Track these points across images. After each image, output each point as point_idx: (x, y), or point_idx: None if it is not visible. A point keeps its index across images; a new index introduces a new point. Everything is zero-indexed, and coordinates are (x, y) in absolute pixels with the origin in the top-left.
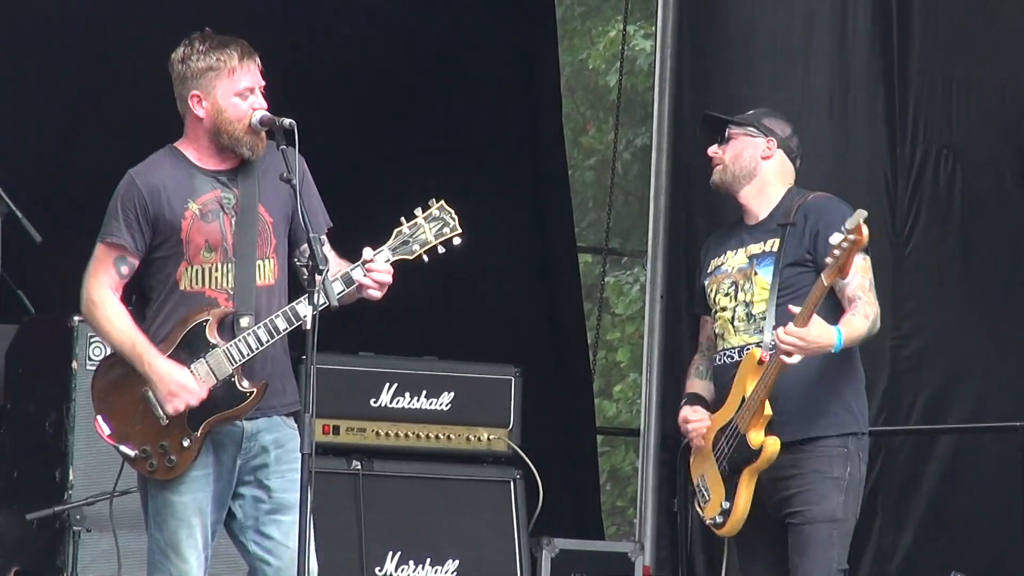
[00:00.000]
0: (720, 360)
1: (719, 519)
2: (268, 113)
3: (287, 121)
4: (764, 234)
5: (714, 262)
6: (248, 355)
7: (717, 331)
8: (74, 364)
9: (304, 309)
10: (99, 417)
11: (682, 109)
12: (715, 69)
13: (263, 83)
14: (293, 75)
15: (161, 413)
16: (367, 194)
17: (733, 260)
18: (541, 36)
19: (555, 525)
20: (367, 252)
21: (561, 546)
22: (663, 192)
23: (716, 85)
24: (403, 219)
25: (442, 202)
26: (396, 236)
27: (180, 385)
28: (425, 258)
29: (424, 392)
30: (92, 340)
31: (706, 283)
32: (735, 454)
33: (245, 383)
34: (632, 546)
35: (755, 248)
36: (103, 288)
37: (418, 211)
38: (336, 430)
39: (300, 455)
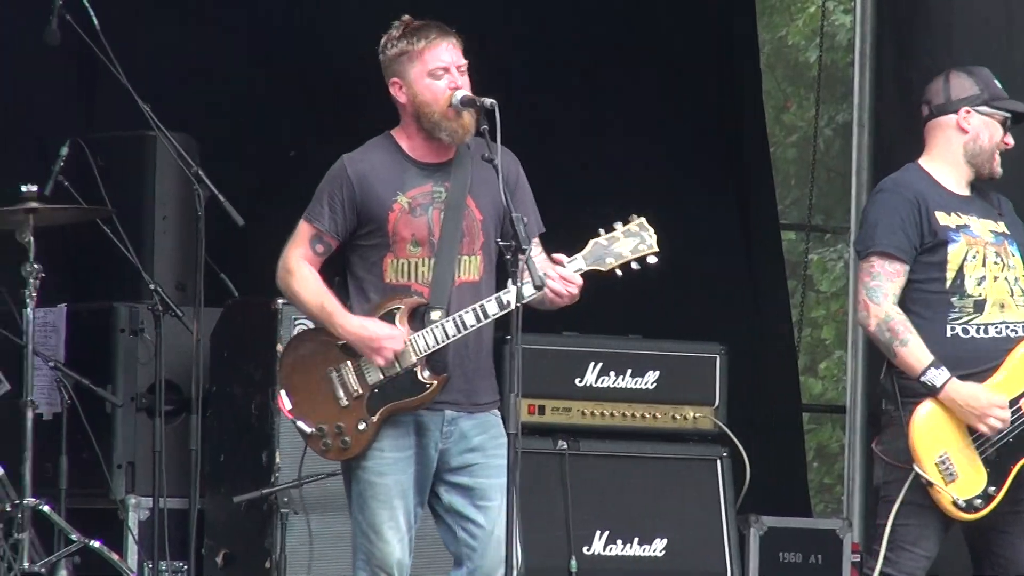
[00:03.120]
0: (996, 332)
1: (978, 502)
2: (468, 93)
3: (488, 101)
4: (985, 211)
5: (954, 218)
6: (432, 347)
7: (980, 296)
8: (278, 347)
9: (493, 308)
10: (283, 392)
11: (883, 84)
12: (915, 43)
13: (462, 62)
14: (484, 61)
15: (342, 394)
16: (566, 184)
17: (979, 227)
18: (740, 13)
19: (762, 503)
20: (561, 258)
21: (769, 524)
22: (865, 168)
23: (916, 59)
24: (601, 231)
25: (643, 219)
26: (592, 246)
27: (372, 336)
28: (618, 272)
29: (629, 371)
30: (296, 322)
31: (957, 239)
32: (1014, 440)
33: (426, 374)
34: (840, 523)
35: (991, 224)
36: (298, 259)
37: (618, 224)
38: (541, 410)
39: (504, 439)
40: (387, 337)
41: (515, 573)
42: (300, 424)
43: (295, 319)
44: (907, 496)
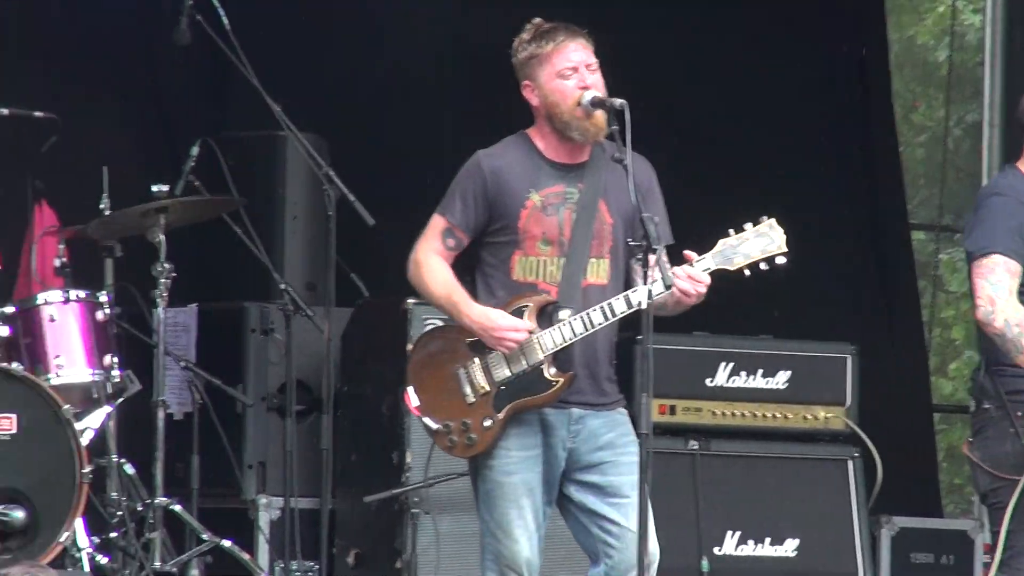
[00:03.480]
0: None
1: None
2: (598, 93)
3: (618, 101)
4: None
5: None
6: (559, 344)
7: None
8: (409, 347)
9: (621, 306)
10: (410, 388)
11: (1013, 83)
12: None
13: (591, 61)
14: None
15: (469, 391)
16: (695, 184)
17: None
18: (869, 13)
19: (893, 503)
20: (690, 256)
21: (900, 524)
22: (995, 167)
23: None
24: (731, 230)
25: (772, 220)
26: (721, 246)
27: (495, 325)
28: (747, 272)
29: (760, 371)
30: (426, 322)
31: None
32: None
33: (552, 371)
34: (972, 524)
35: None
36: (429, 251)
37: (748, 225)
38: (672, 410)
39: (633, 437)
40: (509, 327)
41: (654, 569)
42: (426, 421)
43: (425, 318)
44: (1020, 501)
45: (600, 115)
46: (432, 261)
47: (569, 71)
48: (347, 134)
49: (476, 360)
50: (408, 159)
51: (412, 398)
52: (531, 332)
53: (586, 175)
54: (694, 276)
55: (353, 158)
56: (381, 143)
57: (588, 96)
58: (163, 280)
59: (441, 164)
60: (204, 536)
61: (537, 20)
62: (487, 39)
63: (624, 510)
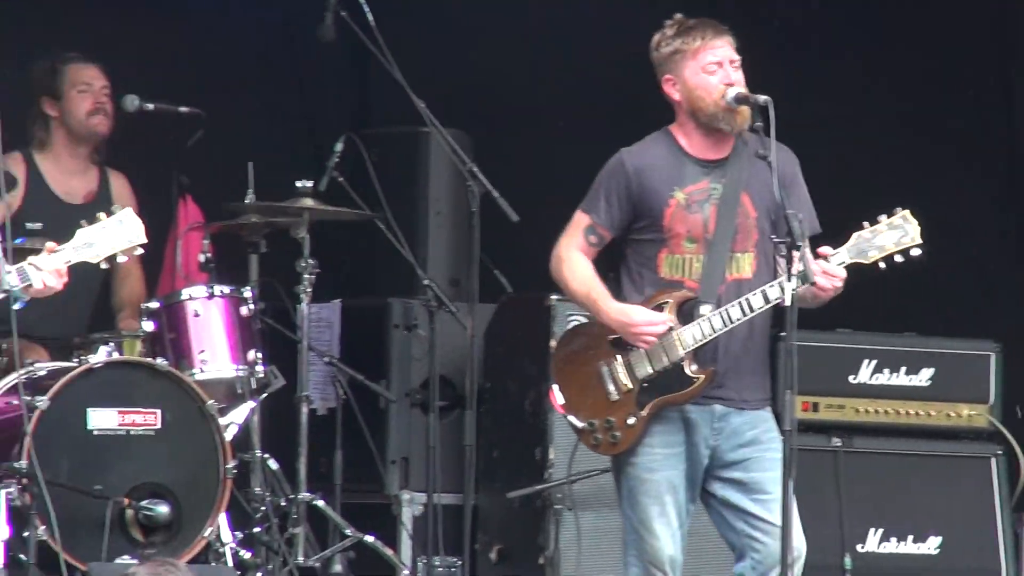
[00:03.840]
0: None
1: None
2: (742, 90)
3: (762, 98)
4: None
5: None
6: (700, 340)
7: None
8: (552, 343)
9: (759, 301)
10: (555, 386)
11: None
12: None
13: (735, 58)
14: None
15: (612, 389)
16: (830, 176)
17: None
18: (1015, 8)
19: None
20: (825, 251)
21: None
22: None
23: None
24: (865, 223)
25: (907, 212)
26: (855, 239)
27: (631, 321)
28: (881, 265)
29: (903, 368)
30: (570, 318)
31: None
32: None
33: (694, 368)
34: None
35: None
36: (571, 248)
37: (882, 217)
38: (815, 407)
39: (777, 434)
40: (646, 323)
41: (800, 563)
42: (571, 419)
43: (569, 314)
44: None
45: (744, 111)
46: (574, 257)
47: (714, 66)
48: (491, 130)
49: (618, 357)
50: (552, 155)
51: (557, 396)
52: (669, 329)
53: (728, 169)
54: (829, 271)
55: (496, 154)
56: (525, 139)
57: (732, 92)
58: (307, 276)
59: (585, 160)
60: (347, 531)
61: (679, 16)
62: (629, 36)
63: (769, 506)
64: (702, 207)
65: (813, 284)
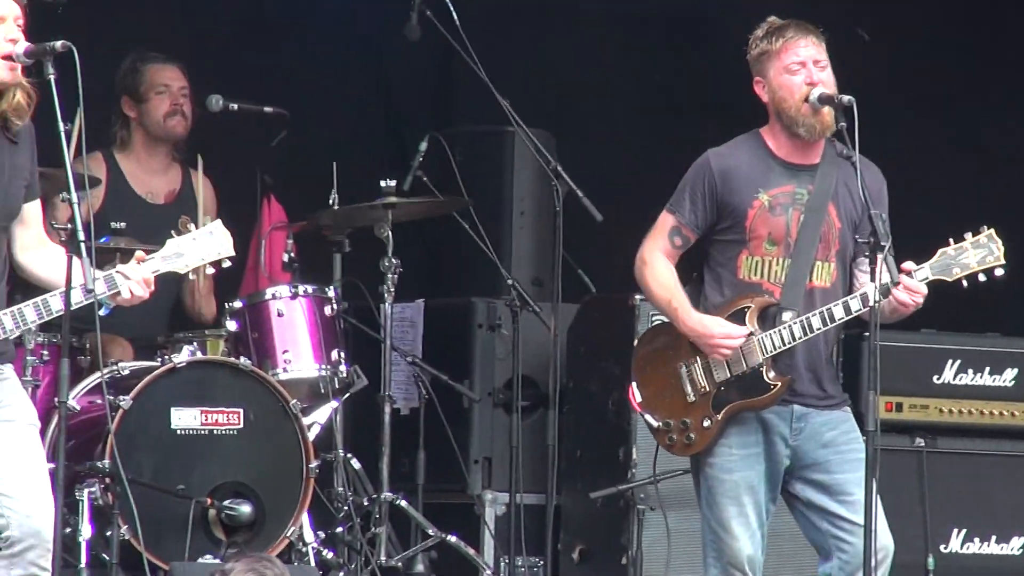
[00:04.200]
0: None
1: None
2: (827, 90)
3: (846, 98)
4: None
5: None
6: (779, 347)
7: None
8: (635, 343)
9: (840, 312)
10: (634, 384)
11: None
12: None
13: (821, 58)
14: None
15: (690, 390)
16: (919, 192)
17: None
18: None
19: None
20: (909, 266)
21: None
22: None
23: None
24: (951, 240)
25: (992, 231)
26: (939, 256)
27: (708, 333)
28: (964, 283)
29: (987, 368)
30: (653, 318)
31: None
32: None
33: (772, 374)
34: None
35: None
36: (655, 251)
37: (967, 235)
38: (899, 407)
39: (858, 435)
40: (723, 335)
41: (888, 562)
42: (648, 417)
43: (652, 314)
44: None
45: (827, 112)
46: (658, 263)
47: (796, 66)
48: (575, 128)
49: (698, 359)
50: (636, 154)
51: (635, 393)
52: (749, 335)
53: (818, 177)
54: (911, 287)
55: (580, 153)
56: (609, 138)
57: (815, 92)
58: (390, 275)
59: (669, 160)
60: (429, 531)
61: (772, 18)
62: (719, 35)
63: (853, 507)
64: (786, 210)
65: (897, 285)
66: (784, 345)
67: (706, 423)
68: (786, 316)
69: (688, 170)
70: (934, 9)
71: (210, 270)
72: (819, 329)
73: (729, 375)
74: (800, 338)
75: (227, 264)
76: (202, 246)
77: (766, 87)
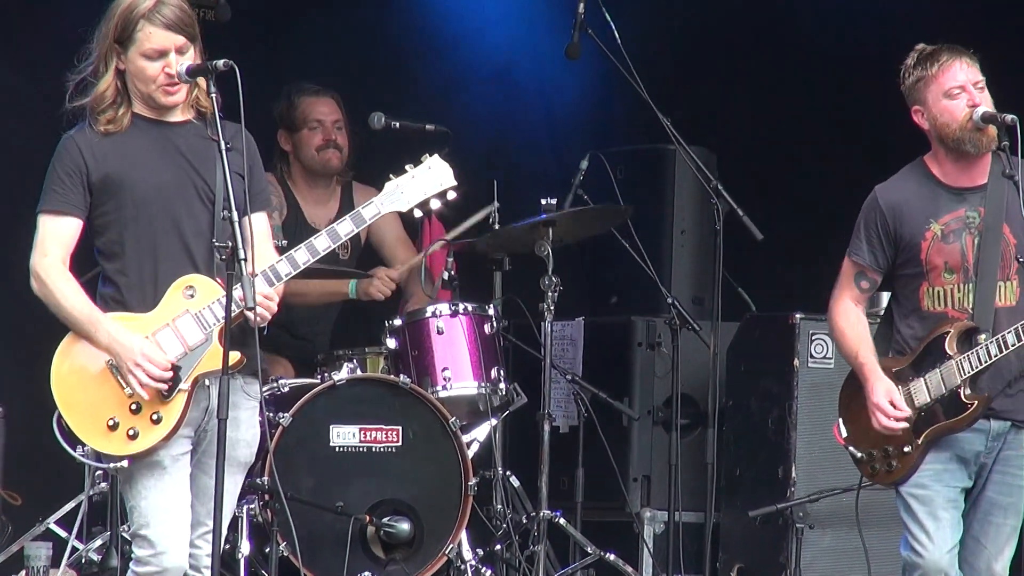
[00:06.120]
0: None
1: None
2: (989, 109)
3: (1009, 117)
4: None
5: None
6: (976, 368)
7: None
8: (795, 361)
9: None
10: (840, 420)
11: None
12: None
13: (978, 79)
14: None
15: (876, 424)
16: None
17: None
18: None
19: None
20: None
21: None
22: None
23: None
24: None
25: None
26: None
27: (885, 411)
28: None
29: None
30: (814, 337)
31: None
32: None
33: (968, 392)
34: None
35: None
36: (844, 299)
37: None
38: None
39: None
40: (892, 416)
41: None
42: (851, 450)
43: (812, 334)
44: None
45: (992, 130)
46: (849, 313)
47: (956, 90)
48: (736, 147)
49: (898, 387)
50: (797, 173)
51: (841, 430)
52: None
53: (987, 198)
54: None
55: (741, 172)
56: (770, 157)
57: (979, 112)
58: (551, 293)
59: (831, 179)
60: (588, 549)
61: (920, 45)
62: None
63: (992, 529)
64: (959, 236)
65: None
66: (981, 364)
67: (907, 449)
68: (981, 338)
69: (861, 209)
70: None
71: (435, 203)
72: (1014, 345)
73: (930, 399)
74: (996, 356)
75: (452, 196)
76: (422, 182)
77: (925, 115)
